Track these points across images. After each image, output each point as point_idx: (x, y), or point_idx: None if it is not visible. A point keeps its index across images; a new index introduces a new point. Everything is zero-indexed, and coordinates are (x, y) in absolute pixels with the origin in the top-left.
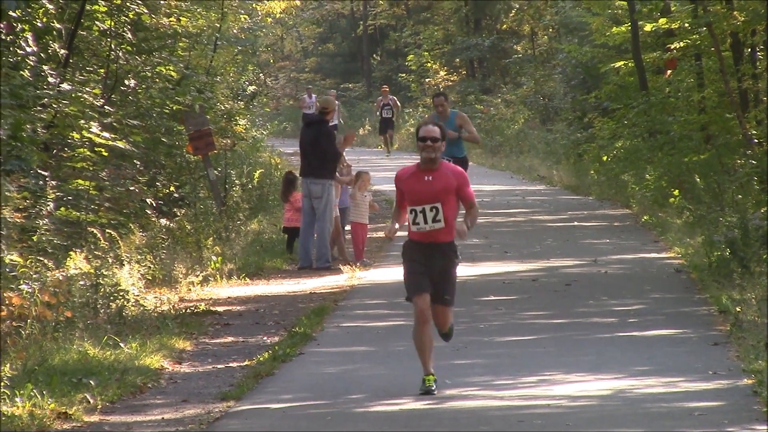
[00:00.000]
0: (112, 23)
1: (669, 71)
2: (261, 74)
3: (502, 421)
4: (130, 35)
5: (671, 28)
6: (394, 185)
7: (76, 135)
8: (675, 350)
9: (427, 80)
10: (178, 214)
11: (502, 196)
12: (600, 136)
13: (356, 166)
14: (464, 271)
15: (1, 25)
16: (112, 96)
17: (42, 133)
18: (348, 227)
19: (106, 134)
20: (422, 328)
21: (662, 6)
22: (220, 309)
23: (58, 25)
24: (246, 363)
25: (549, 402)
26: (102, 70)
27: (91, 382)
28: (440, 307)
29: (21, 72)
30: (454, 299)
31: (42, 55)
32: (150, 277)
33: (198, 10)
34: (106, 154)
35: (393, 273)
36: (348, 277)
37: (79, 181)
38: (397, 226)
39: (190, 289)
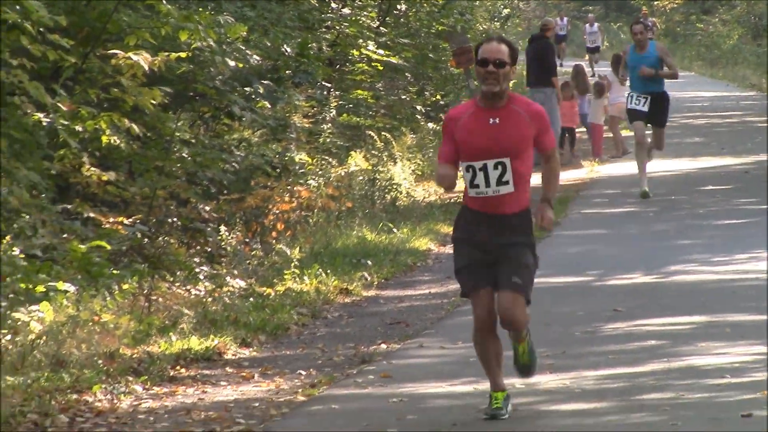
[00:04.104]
0: None
1: None
2: None
3: (718, 292)
4: None
5: None
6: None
7: (355, 52)
8: None
9: (655, 2)
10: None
11: (719, 101)
12: None
13: (596, 79)
14: (685, 165)
15: None
16: (387, 18)
17: (326, 51)
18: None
19: (381, 51)
20: (484, 338)
21: None
22: None
23: None
24: None
25: (758, 276)
26: None
27: (368, 262)
28: (506, 293)
29: None
30: (529, 292)
31: None
32: (419, 173)
33: None
34: (381, 68)
35: (626, 167)
36: (588, 170)
37: (359, 91)
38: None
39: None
